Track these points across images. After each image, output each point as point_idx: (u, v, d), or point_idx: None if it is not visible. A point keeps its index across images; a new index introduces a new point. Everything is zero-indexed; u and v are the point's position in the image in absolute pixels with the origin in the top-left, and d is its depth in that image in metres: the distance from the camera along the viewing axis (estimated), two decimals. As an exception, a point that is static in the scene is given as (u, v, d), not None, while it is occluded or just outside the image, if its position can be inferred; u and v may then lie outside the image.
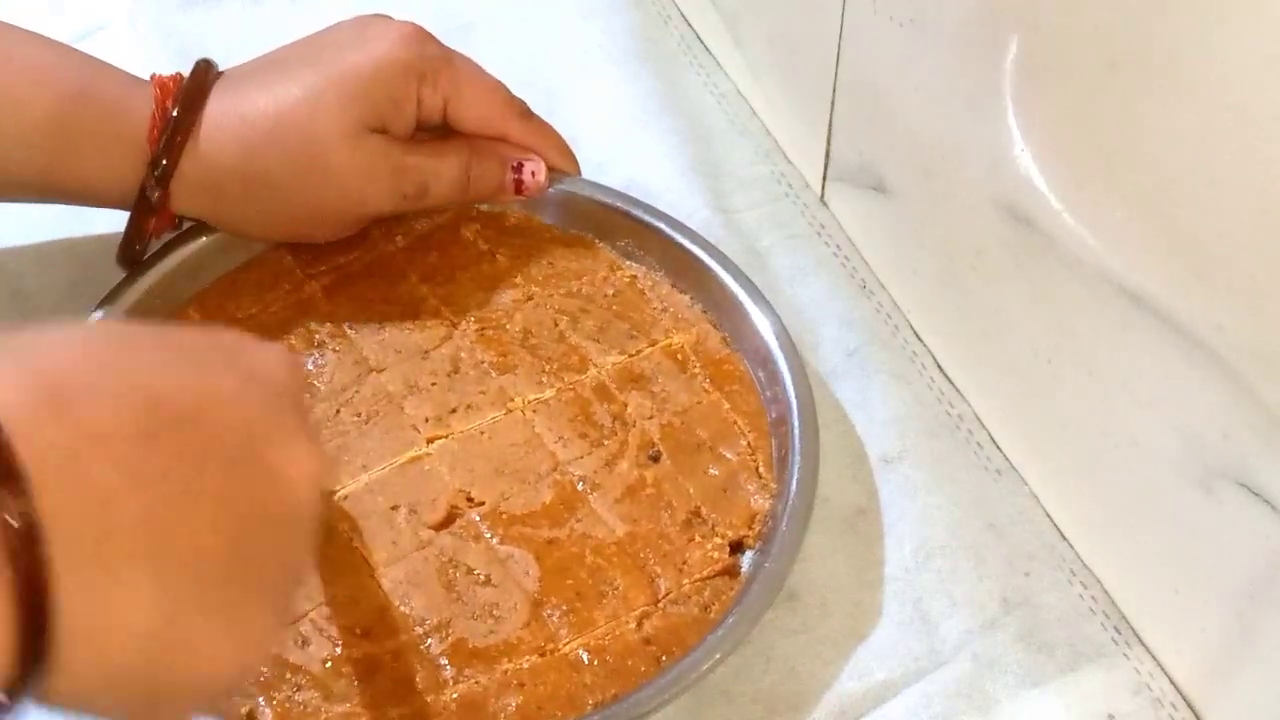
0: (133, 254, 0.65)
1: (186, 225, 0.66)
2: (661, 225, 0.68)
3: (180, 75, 0.63)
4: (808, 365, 0.64)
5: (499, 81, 0.67)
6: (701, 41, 0.81)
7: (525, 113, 0.68)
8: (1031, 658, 0.57)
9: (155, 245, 0.66)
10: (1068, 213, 0.54)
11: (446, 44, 0.66)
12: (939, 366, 0.66)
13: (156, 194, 0.62)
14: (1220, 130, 0.45)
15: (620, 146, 0.74)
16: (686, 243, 0.67)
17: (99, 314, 0.64)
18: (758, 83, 0.77)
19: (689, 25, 0.81)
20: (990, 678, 0.57)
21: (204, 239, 0.67)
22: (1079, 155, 0.53)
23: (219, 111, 0.62)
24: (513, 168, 0.67)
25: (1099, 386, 0.55)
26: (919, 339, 0.67)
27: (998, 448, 0.64)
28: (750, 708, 0.57)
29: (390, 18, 0.65)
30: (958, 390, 0.66)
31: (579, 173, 0.69)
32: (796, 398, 0.62)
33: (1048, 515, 0.62)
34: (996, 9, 0.54)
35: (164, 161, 0.61)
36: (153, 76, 0.63)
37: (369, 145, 0.63)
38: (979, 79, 0.56)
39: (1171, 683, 0.57)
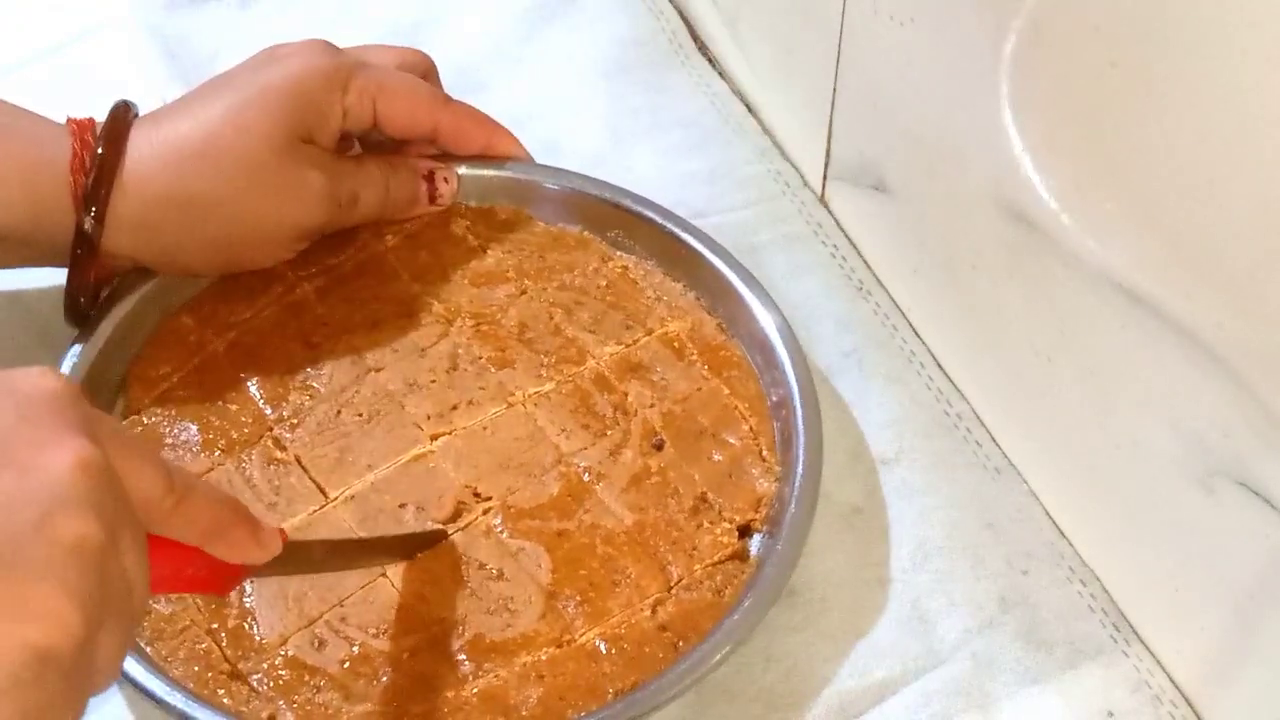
0: (79, 307, 0.63)
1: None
2: (652, 215, 0.68)
3: (93, 119, 0.62)
4: (804, 364, 0.65)
5: (415, 77, 0.67)
6: (700, 41, 0.80)
7: (449, 99, 0.68)
8: (1031, 656, 0.58)
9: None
10: (1068, 213, 0.54)
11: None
12: (938, 365, 0.67)
13: (92, 228, 0.60)
14: (1220, 130, 0.45)
15: (618, 145, 0.74)
16: (677, 230, 0.67)
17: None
18: (757, 82, 0.77)
19: (686, 24, 0.81)
20: (989, 676, 0.57)
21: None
22: (1079, 155, 0.53)
23: (144, 143, 0.61)
24: (424, 176, 0.68)
25: (1099, 386, 0.56)
26: (918, 338, 0.68)
27: (997, 446, 0.64)
28: (750, 706, 0.57)
29: (293, 42, 0.66)
30: (957, 389, 0.66)
31: (521, 148, 0.70)
32: (796, 380, 0.62)
33: (1047, 514, 0.62)
34: (996, 9, 0.54)
35: (96, 201, 0.60)
36: (68, 119, 0.62)
37: (299, 154, 0.63)
38: (979, 79, 0.56)
39: (1171, 680, 0.57)
